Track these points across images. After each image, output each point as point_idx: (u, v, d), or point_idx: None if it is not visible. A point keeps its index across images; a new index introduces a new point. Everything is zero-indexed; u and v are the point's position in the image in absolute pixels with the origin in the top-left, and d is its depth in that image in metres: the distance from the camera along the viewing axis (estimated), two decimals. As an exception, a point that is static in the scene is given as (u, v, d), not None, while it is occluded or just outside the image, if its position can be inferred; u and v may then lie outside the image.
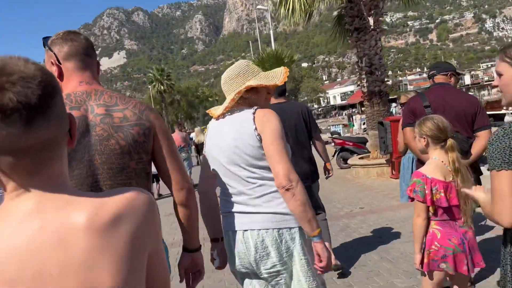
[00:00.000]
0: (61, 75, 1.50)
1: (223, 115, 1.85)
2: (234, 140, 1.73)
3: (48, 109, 0.70)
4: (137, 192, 0.78)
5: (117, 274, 0.70)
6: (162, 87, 63.02)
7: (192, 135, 16.68)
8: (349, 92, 64.51)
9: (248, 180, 1.73)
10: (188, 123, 73.02)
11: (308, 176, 3.36)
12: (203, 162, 1.98)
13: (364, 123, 16.36)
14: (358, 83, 9.22)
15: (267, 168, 1.70)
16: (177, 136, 9.45)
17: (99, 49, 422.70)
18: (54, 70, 1.50)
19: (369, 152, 9.46)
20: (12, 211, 0.72)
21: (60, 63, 1.49)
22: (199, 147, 12.27)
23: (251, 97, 1.82)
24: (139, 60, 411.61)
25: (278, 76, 1.82)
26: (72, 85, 1.49)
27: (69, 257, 0.68)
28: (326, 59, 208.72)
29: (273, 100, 3.41)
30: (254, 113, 1.72)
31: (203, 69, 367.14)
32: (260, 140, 1.69)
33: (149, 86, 62.99)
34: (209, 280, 3.84)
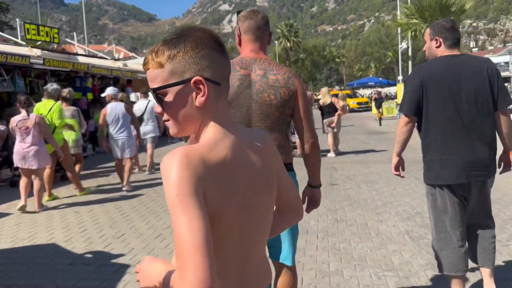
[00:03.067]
0: (240, 43, 2.16)
1: None
2: None
3: None
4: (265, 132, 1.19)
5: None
6: (288, 44, 61.39)
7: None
8: (502, 64, 53.55)
9: None
10: (310, 85, 70.73)
11: (485, 166, 2.53)
12: None
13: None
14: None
15: None
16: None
17: (232, 5, 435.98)
18: (237, 37, 2.17)
19: None
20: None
21: (241, 34, 2.14)
22: (324, 109, 10.43)
23: None
24: (269, 18, 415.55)
25: None
26: (245, 51, 2.12)
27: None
28: (474, 24, 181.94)
29: (444, 51, 2.59)
30: None
31: (331, 29, 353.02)
32: None
33: (276, 42, 61.73)
34: None
